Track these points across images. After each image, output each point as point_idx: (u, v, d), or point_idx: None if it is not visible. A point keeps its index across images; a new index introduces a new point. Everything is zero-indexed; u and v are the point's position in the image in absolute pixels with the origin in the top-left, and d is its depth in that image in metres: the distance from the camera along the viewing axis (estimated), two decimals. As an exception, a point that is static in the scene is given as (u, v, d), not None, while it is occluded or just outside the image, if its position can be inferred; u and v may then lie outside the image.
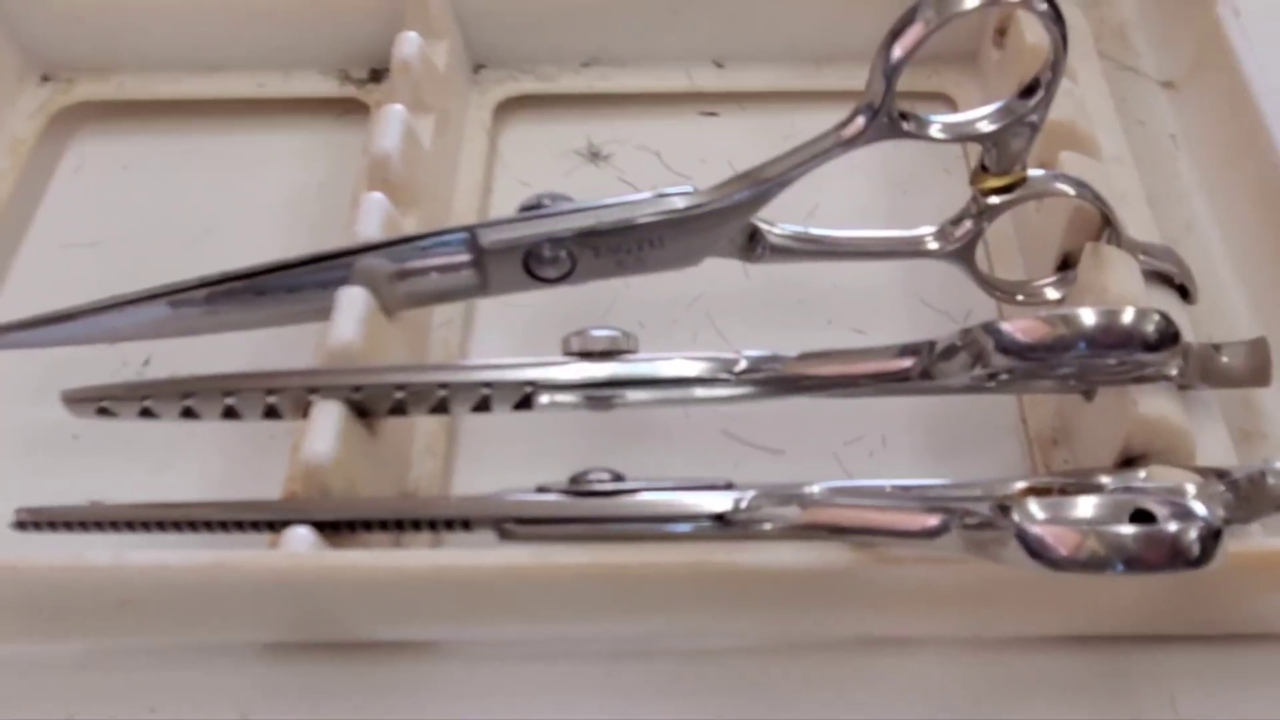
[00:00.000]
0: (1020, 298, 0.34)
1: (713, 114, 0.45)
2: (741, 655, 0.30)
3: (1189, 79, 0.42)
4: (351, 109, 0.44)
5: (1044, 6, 0.29)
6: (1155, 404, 0.30)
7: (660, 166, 0.43)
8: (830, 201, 0.41)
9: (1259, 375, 0.32)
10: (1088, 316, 0.26)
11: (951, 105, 0.44)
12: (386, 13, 0.42)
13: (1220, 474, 0.29)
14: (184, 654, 0.31)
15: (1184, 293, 0.35)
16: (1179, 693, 0.30)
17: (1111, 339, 0.26)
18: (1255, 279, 0.37)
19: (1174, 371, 0.30)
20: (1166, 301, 0.34)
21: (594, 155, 0.43)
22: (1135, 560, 0.23)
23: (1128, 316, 0.26)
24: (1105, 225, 0.33)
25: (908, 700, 0.30)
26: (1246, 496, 0.28)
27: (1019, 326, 0.26)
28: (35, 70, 0.44)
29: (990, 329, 0.26)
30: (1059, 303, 0.34)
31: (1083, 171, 0.34)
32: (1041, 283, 0.34)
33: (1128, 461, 0.30)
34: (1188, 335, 0.34)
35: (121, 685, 0.30)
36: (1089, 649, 0.30)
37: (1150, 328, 0.25)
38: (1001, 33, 0.42)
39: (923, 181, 0.41)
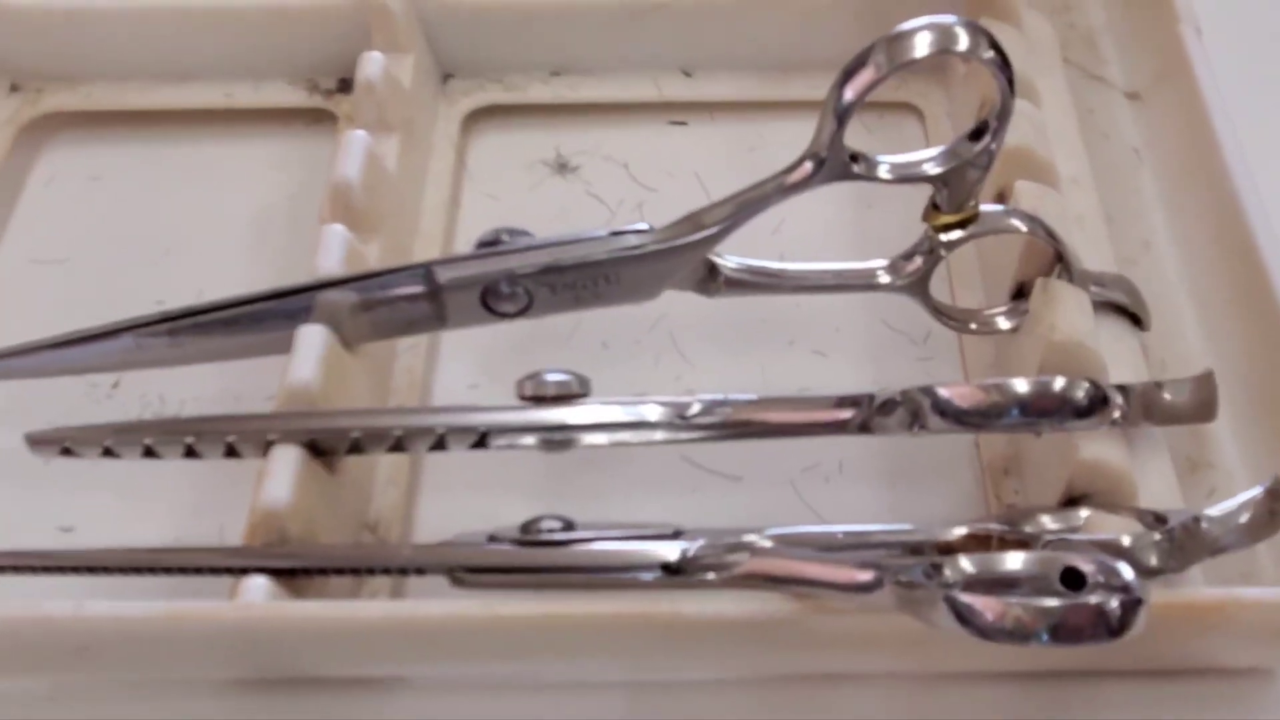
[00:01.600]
0: (973, 326, 0.35)
1: (681, 123, 0.45)
2: (685, 689, 0.31)
3: (1152, 91, 0.42)
4: (320, 118, 0.44)
5: (990, 54, 0.29)
6: (1096, 448, 0.30)
7: (628, 178, 0.43)
8: (797, 217, 0.41)
9: (1204, 411, 0.33)
10: (1020, 386, 0.26)
11: (919, 116, 0.44)
12: (354, 24, 0.42)
13: (1159, 518, 0.30)
14: (151, 687, 0.31)
15: (1137, 320, 0.36)
16: (1115, 726, 0.31)
17: (1042, 406, 0.26)
18: (1209, 300, 0.37)
19: (1116, 415, 0.30)
20: (1118, 330, 0.35)
21: (562, 167, 0.43)
22: (1059, 631, 0.24)
23: (1058, 385, 0.26)
24: (1057, 260, 0.34)
25: (847, 733, 0.31)
26: (1181, 545, 0.29)
27: (955, 393, 0.26)
28: (4, 80, 0.44)
29: (928, 392, 0.27)
30: (1011, 332, 0.35)
31: (1038, 201, 0.35)
32: (994, 312, 0.35)
33: (1072, 499, 0.31)
34: (1138, 362, 0.35)
35: (90, 718, 0.31)
36: (1028, 684, 0.31)
37: (1080, 394, 0.26)
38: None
39: (891, 199, 0.42)
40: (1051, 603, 0.24)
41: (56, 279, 0.41)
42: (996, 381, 0.26)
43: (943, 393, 0.26)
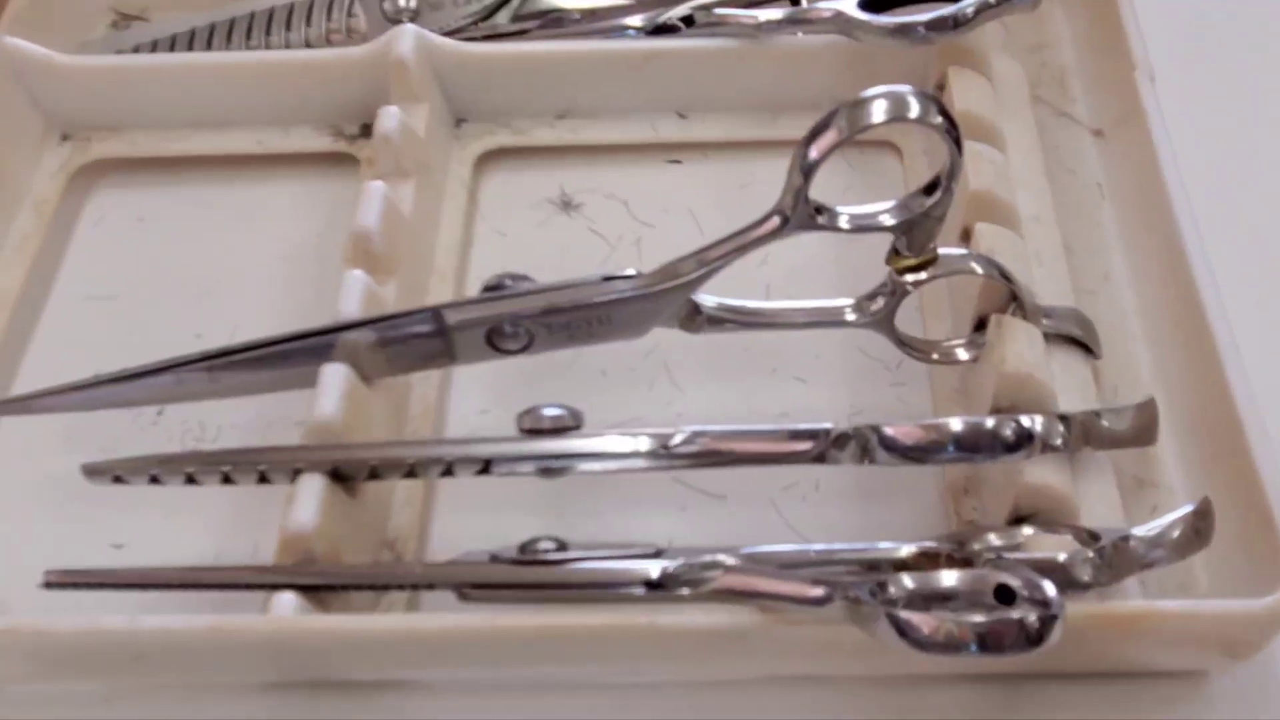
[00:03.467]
0: (935, 356, 0.38)
1: (677, 161, 0.48)
2: (672, 689, 0.35)
3: (1114, 130, 0.45)
4: (344, 161, 0.48)
5: (938, 120, 0.32)
6: (1039, 473, 0.33)
7: (627, 215, 0.46)
8: (781, 253, 0.44)
9: (1144, 435, 0.36)
10: (955, 425, 0.30)
11: (898, 154, 0.47)
12: (374, 76, 0.45)
13: (1093, 535, 0.33)
14: (198, 690, 0.35)
15: (1089, 349, 0.39)
16: (1060, 723, 0.34)
17: (975, 442, 0.30)
18: (1157, 331, 0.40)
19: (1058, 442, 0.34)
20: (1069, 361, 0.38)
21: (566, 204, 0.47)
22: (985, 643, 0.27)
23: (989, 424, 0.29)
24: (1012, 298, 0.37)
25: (818, 729, 0.34)
26: (1110, 562, 0.32)
27: (900, 431, 0.30)
28: (56, 130, 0.48)
29: (875, 429, 0.30)
30: (970, 362, 0.38)
31: (997, 242, 0.38)
32: (954, 344, 0.38)
33: (1021, 518, 0.34)
34: (1088, 389, 0.38)
35: (143, 717, 0.35)
36: (980, 685, 0.34)
37: (1008, 432, 0.29)
38: (941, 88, 0.45)
39: (867, 239, 0.45)
40: (978, 618, 0.27)
41: (106, 314, 0.45)
42: (935, 422, 0.30)
43: (888, 431, 0.30)
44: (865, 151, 0.48)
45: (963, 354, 0.38)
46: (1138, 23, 0.44)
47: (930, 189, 0.34)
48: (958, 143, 0.33)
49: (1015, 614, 0.27)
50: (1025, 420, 0.31)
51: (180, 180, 0.49)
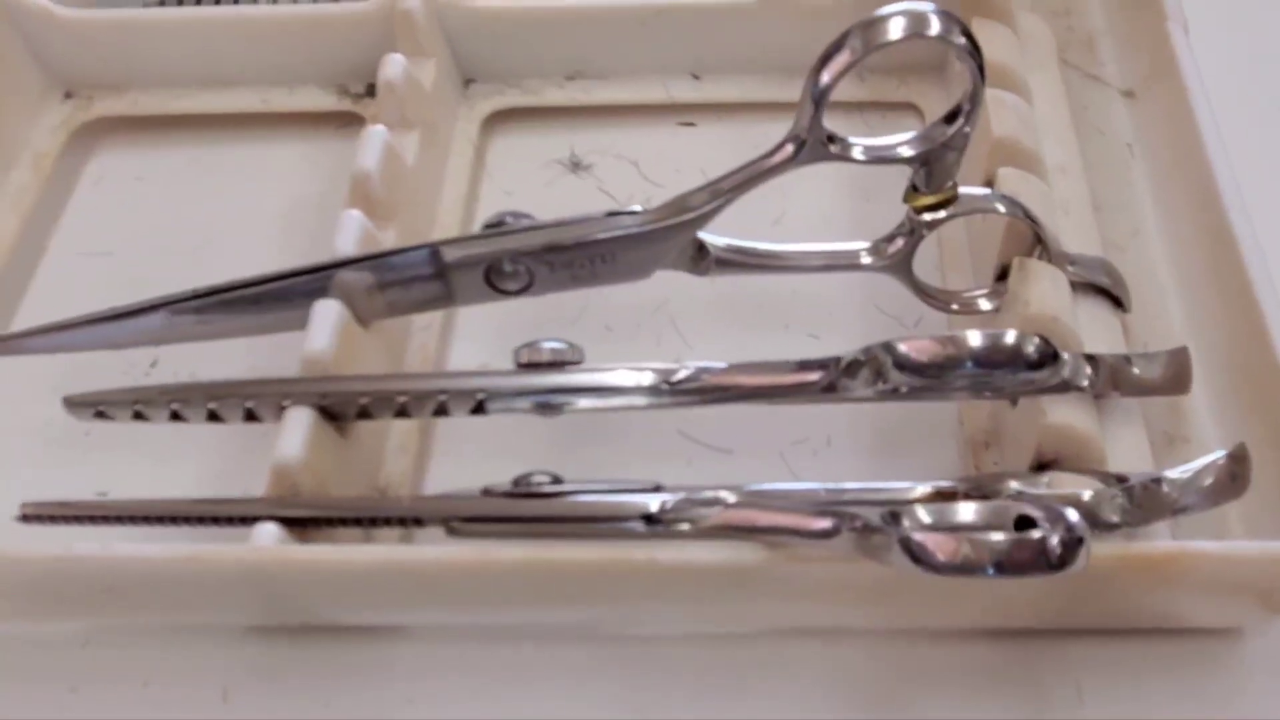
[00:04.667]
0: (955, 307, 0.36)
1: (690, 124, 0.47)
2: (670, 641, 0.33)
3: (1146, 89, 0.44)
4: (350, 121, 0.47)
5: (961, 41, 0.31)
6: (1063, 412, 0.32)
7: (638, 176, 0.45)
8: (796, 209, 0.43)
9: (1177, 384, 0.34)
10: (973, 339, 0.28)
11: (919, 115, 0.46)
12: (380, 31, 0.44)
13: (1120, 479, 0.31)
14: (175, 635, 0.34)
15: (1118, 302, 0.37)
16: (1085, 684, 0.32)
17: (995, 358, 0.28)
18: (1190, 286, 0.38)
19: (1084, 383, 0.32)
20: (1097, 311, 0.36)
21: (576, 165, 0.46)
22: (1004, 564, 0.25)
23: (1009, 339, 0.28)
24: (1037, 241, 0.35)
25: (821, 687, 0.32)
26: (1140, 503, 0.30)
27: (914, 347, 0.28)
28: (59, 88, 0.48)
29: (888, 348, 0.28)
30: (993, 312, 0.36)
31: (1020, 187, 0.36)
32: (975, 294, 0.36)
33: (1042, 466, 0.33)
34: (1117, 341, 0.36)
35: (118, 662, 0.34)
36: (998, 641, 0.32)
37: (1030, 348, 0.27)
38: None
39: (886, 190, 0.43)
40: (997, 537, 0.25)
41: (102, 269, 0.44)
42: (953, 335, 0.28)
43: (901, 348, 0.28)
44: (886, 114, 0.46)
45: (985, 304, 0.36)
46: (1169, -27, 0.43)
47: (951, 117, 0.33)
48: (981, 68, 0.31)
49: (1036, 533, 0.25)
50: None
51: (182, 139, 0.48)
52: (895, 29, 0.31)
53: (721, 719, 0.32)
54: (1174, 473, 0.30)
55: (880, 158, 0.33)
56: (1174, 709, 0.32)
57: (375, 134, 0.39)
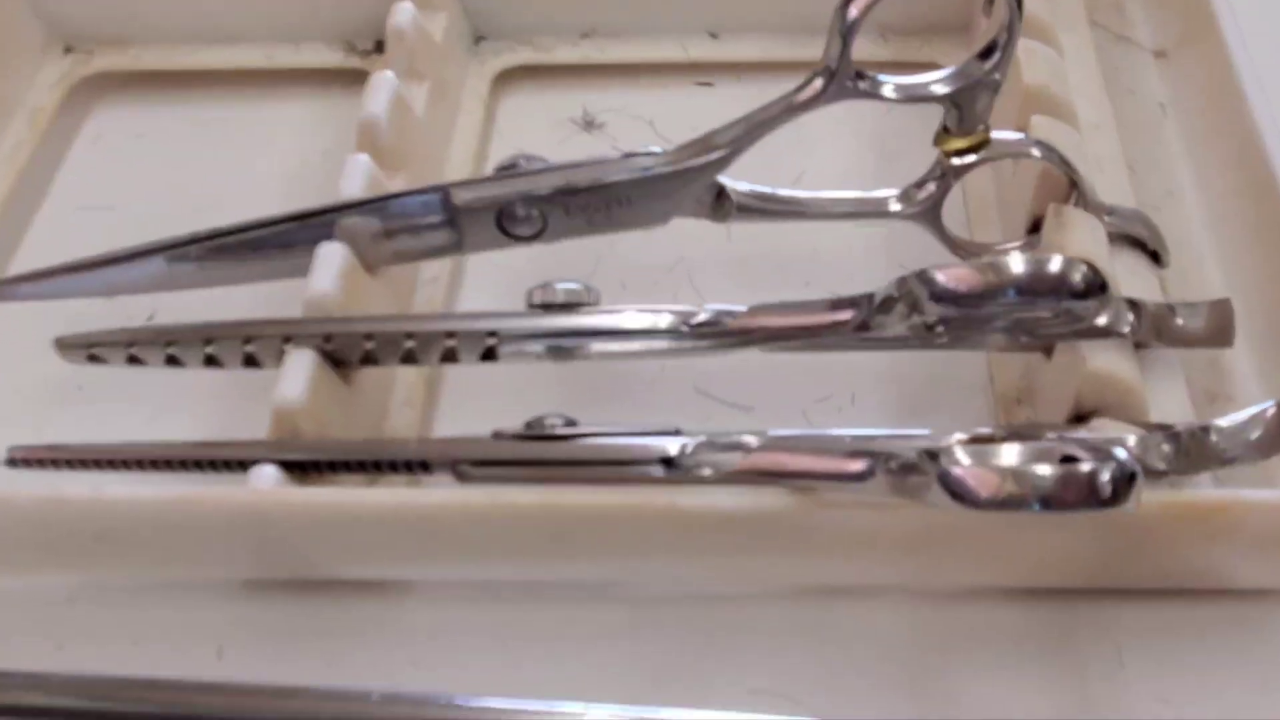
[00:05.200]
0: (986, 259, 0.35)
1: (708, 84, 0.45)
2: (692, 602, 0.31)
3: (1178, 48, 0.42)
4: (357, 79, 0.45)
5: (996, -32, 0.30)
6: (1105, 359, 0.30)
7: (653, 134, 0.44)
8: (818, 166, 0.41)
9: (1220, 336, 0.33)
10: (1016, 264, 0.26)
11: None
12: (390, -14, 0.43)
13: (1164, 428, 0.29)
14: (166, 591, 0.32)
15: (1155, 257, 0.35)
16: (1125, 645, 0.30)
17: (1039, 286, 0.26)
18: (1229, 244, 0.37)
19: (1125, 329, 0.30)
20: (1134, 263, 0.35)
21: (588, 124, 0.44)
22: (1051, 499, 0.24)
23: (1054, 265, 0.26)
24: (1072, 189, 0.34)
25: (855, 647, 0.30)
26: (1187, 450, 0.28)
27: (951, 275, 0.26)
28: (58, 42, 0.46)
29: (924, 278, 0.27)
30: (1026, 264, 0.35)
31: (1053, 135, 0.35)
32: (1007, 245, 0.35)
33: (1080, 418, 0.31)
34: (1155, 296, 0.35)
35: (107, 619, 0.32)
36: (1037, 601, 0.31)
37: (1077, 276, 0.26)
38: (991, 2, 0.42)
39: (909, 147, 0.42)
40: (1044, 470, 0.24)
41: (100, 223, 0.42)
42: (992, 260, 0.26)
43: (939, 276, 0.26)
44: (908, 73, 0.45)
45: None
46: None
47: (987, 53, 0.31)
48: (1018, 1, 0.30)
49: (1085, 467, 0.23)
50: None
51: (184, 96, 0.46)
52: (928, -44, 0.29)
53: (745, 685, 0.30)
54: (1222, 421, 0.29)
55: (912, 95, 0.32)
56: (1216, 674, 0.30)
57: (384, 80, 0.38)
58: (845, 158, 0.42)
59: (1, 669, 0.29)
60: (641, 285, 0.39)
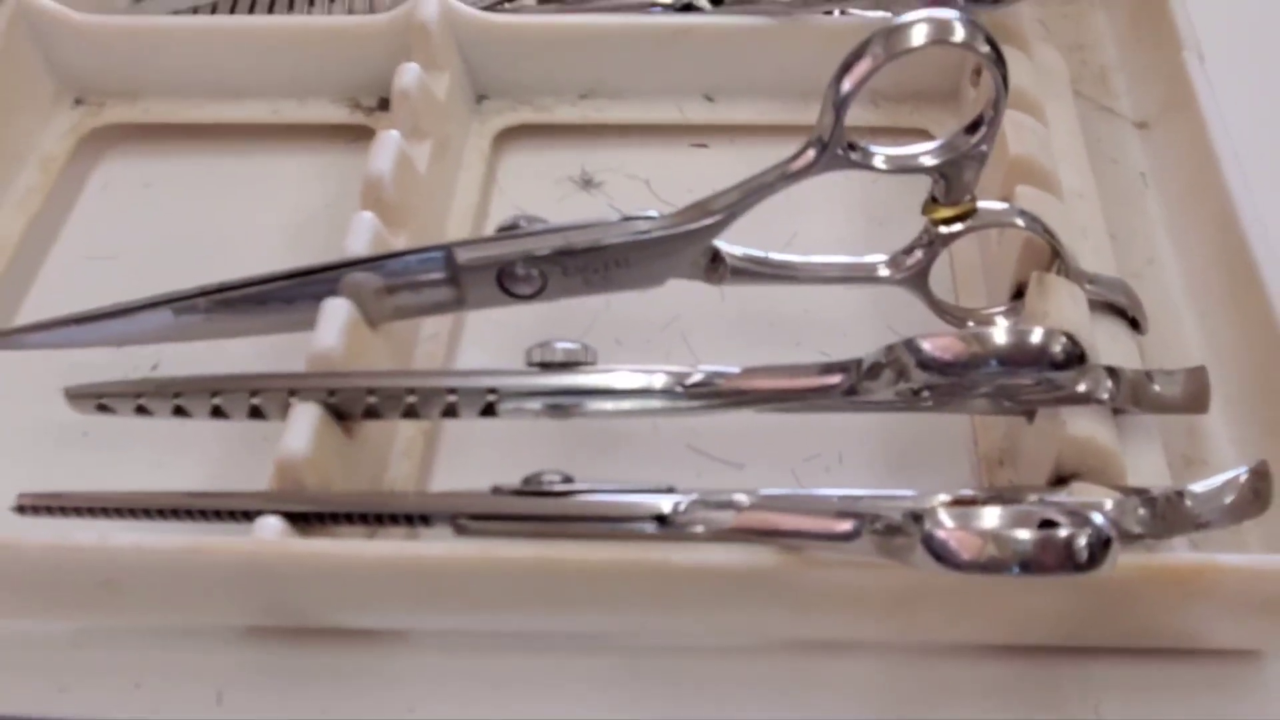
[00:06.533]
0: (970, 324, 0.36)
1: (703, 145, 0.47)
2: (683, 653, 0.32)
3: (1159, 119, 0.44)
4: (361, 135, 0.46)
5: (985, 49, 0.31)
6: (1084, 425, 0.31)
7: (649, 194, 0.45)
8: (809, 230, 0.43)
9: (1196, 402, 0.34)
10: (999, 335, 0.27)
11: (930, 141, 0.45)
12: (395, 44, 0.44)
13: (1141, 492, 0.30)
14: (168, 635, 0.33)
15: (1135, 324, 0.37)
16: (1103, 702, 0.31)
17: (1021, 356, 0.27)
18: (1207, 311, 0.38)
19: (1104, 396, 0.31)
20: (1114, 330, 0.36)
21: (586, 183, 0.45)
22: (1030, 563, 0.25)
23: (1035, 337, 0.27)
24: (1055, 257, 0.35)
25: (840, 701, 0.31)
26: (1163, 514, 0.29)
27: (937, 344, 0.27)
28: (69, 94, 0.47)
29: (911, 346, 0.28)
30: (1010, 330, 0.36)
31: (1038, 205, 0.36)
32: (992, 311, 0.36)
33: (1060, 480, 0.32)
34: (1134, 362, 0.36)
35: (110, 662, 0.32)
36: (1017, 658, 0.32)
37: (1057, 348, 0.27)
38: (978, 72, 0.43)
39: (898, 214, 0.43)
40: (1023, 534, 0.25)
41: (106, 274, 0.43)
42: (977, 332, 0.27)
43: (925, 345, 0.27)
44: (899, 140, 0.46)
45: (1001, 321, 0.36)
46: (1185, 4, 0.43)
47: (973, 128, 0.33)
48: (1005, 76, 0.31)
49: (1063, 532, 0.24)
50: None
51: (192, 148, 0.47)
52: (918, 35, 0.31)
53: (732, 734, 0.31)
54: (1197, 487, 0.30)
55: (901, 166, 0.33)
56: (1192, 730, 0.31)
57: (389, 138, 0.39)
58: (836, 223, 0.43)
59: (5, 713, 0.30)
60: (636, 343, 0.40)
